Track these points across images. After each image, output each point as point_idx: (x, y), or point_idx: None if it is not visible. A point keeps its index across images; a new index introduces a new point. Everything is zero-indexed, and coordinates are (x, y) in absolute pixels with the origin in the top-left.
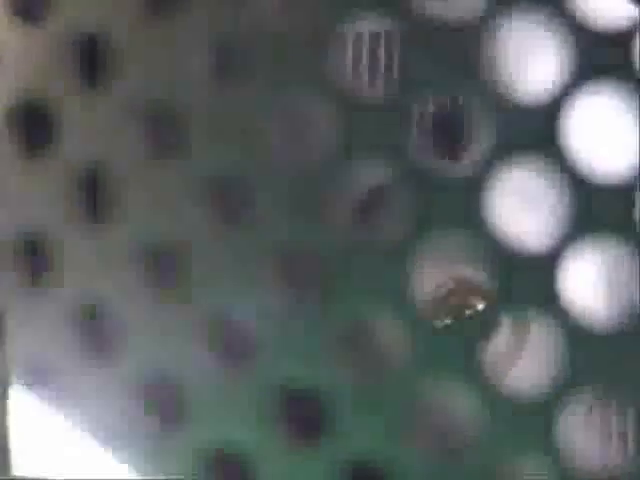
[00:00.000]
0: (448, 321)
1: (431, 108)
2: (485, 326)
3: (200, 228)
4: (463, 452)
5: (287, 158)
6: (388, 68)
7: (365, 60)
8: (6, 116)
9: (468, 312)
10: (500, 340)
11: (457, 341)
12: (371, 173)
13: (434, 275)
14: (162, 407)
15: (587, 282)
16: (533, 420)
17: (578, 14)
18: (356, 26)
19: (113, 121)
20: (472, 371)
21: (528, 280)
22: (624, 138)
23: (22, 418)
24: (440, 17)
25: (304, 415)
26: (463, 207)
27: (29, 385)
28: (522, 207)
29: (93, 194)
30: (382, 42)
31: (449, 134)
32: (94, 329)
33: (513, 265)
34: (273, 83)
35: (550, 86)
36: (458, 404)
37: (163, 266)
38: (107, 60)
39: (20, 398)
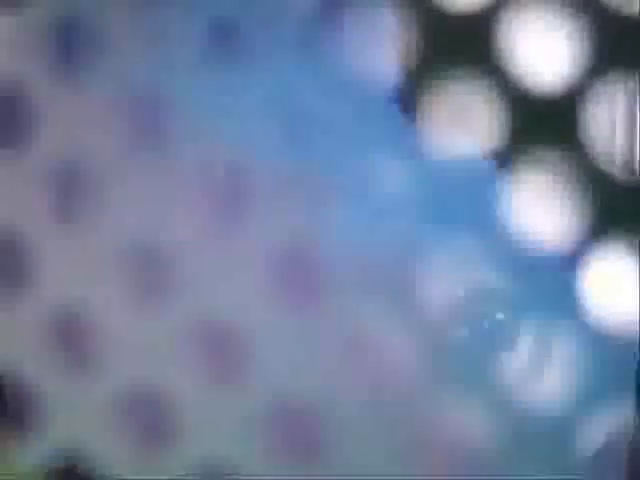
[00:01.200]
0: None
1: None
2: (505, 338)
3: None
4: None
5: None
6: None
7: None
8: None
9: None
10: (522, 353)
11: (475, 354)
12: None
13: (450, 281)
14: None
15: (610, 285)
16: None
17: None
18: None
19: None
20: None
21: (548, 284)
22: None
23: None
24: None
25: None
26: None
27: None
28: (541, 207)
29: None
30: None
31: None
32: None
33: (533, 269)
34: None
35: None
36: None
37: None
38: None
39: None
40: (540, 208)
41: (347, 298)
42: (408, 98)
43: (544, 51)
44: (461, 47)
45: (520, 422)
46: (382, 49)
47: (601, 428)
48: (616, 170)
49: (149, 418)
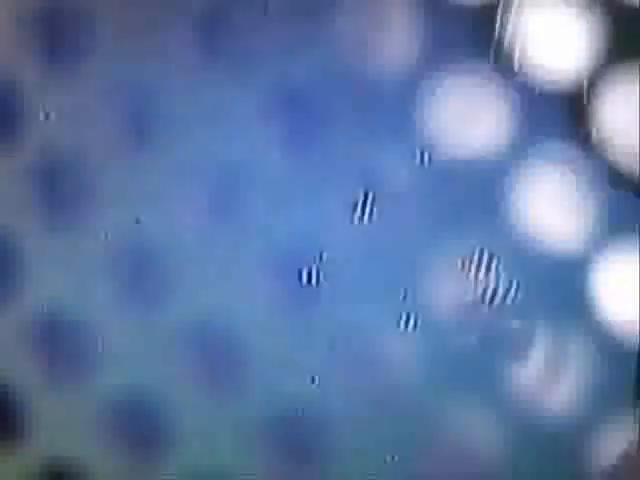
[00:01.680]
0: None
1: None
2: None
3: None
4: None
5: None
6: None
7: None
8: None
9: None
10: (536, 359)
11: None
12: None
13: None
14: None
15: (622, 288)
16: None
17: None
18: None
19: None
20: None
21: (559, 287)
22: None
23: None
24: None
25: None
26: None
27: None
28: (552, 206)
29: None
30: None
31: None
32: None
33: (544, 270)
34: None
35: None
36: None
37: None
38: None
39: None
40: (551, 207)
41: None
42: (412, 93)
43: (555, 43)
44: (470, 38)
45: (528, 427)
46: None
47: (611, 435)
48: (631, 167)
49: (139, 425)
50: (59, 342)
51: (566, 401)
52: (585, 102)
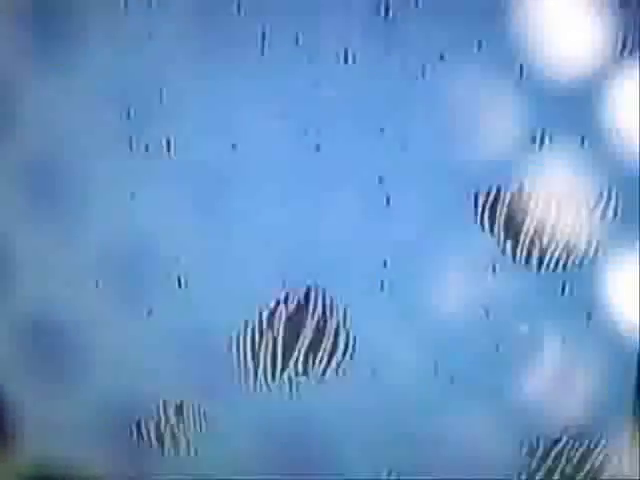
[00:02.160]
0: None
1: None
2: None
3: None
4: None
5: None
6: None
7: None
8: None
9: None
10: (539, 361)
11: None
12: None
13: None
14: None
15: (624, 289)
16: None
17: None
18: None
19: None
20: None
21: (568, 285)
22: None
23: None
24: None
25: None
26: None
27: None
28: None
29: None
30: None
31: None
32: None
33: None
34: None
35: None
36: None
37: None
38: None
39: None
40: (554, 206)
41: None
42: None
43: (566, 39)
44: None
45: (529, 429)
46: None
47: (612, 436)
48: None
49: (131, 428)
50: (50, 344)
51: (568, 402)
52: (593, 99)
